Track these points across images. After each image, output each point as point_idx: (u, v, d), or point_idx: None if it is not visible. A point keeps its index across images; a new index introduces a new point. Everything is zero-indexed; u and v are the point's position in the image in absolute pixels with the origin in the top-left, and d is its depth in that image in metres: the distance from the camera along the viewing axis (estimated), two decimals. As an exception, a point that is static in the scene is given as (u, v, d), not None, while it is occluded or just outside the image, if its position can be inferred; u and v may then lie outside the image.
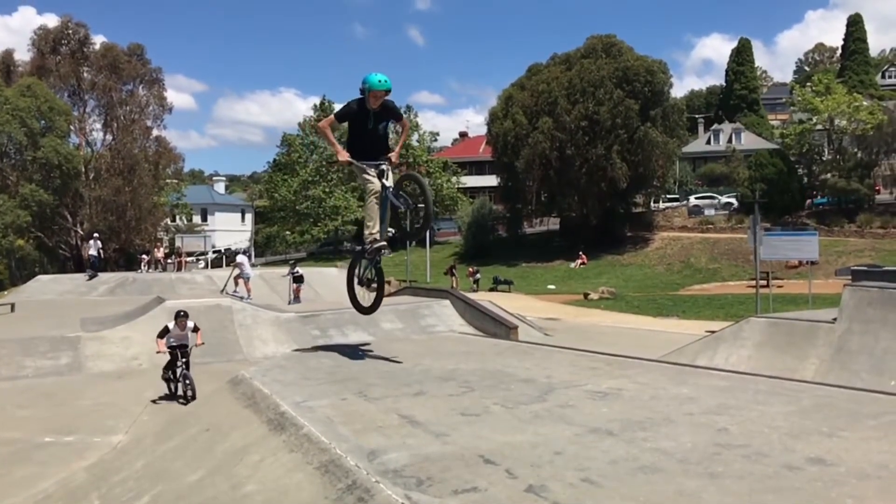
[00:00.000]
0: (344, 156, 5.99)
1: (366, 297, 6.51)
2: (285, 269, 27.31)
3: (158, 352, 10.67)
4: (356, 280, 6.69)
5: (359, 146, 6.09)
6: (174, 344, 10.68)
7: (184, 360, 10.60)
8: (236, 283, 22.19)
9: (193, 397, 10.01)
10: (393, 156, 6.17)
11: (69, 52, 50.81)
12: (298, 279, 25.33)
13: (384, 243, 6.21)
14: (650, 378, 5.71)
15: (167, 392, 10.75)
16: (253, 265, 25.64)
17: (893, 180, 56.66)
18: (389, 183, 6.01)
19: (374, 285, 6.51)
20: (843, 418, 4.34)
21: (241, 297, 19.63)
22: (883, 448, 3.71)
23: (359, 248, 6.60)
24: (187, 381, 10.40)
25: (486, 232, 57.64)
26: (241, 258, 23.65)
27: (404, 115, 6.82)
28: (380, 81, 5.84)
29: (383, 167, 6.07)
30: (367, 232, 6.16)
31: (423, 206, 5.90)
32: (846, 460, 3.50)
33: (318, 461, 3.70)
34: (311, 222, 63.12)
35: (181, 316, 10.96)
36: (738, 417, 4.38)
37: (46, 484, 6.17)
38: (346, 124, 6.24)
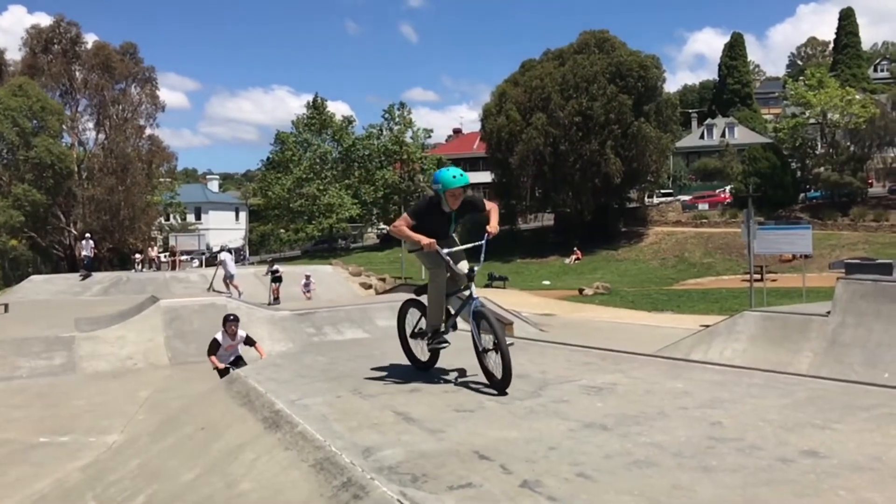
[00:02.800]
0: (429, 242, 4.98)
1: (424, 350, 5.55)
2: (268, 269, 26.61)
3: (216, 369, 9.21)
4: (409, 333, 5.77)
5: (435, 238, 5.11)
6: (229, 361, 9.23)
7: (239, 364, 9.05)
8: (226, 285, 22.00)
9: None
10: (492, 228, 5.18)
11: (61, 51, 50.54)
12: (277, 279, 24.07)
13: (446, 342, 5.33)
14: (645, 373, 5.73)
15: None
16: (250, 263, 25.24)
17: (886, 173, 56.84)
18: (475, 294, 5.07)
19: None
20: (837, 411, 4.36)
21: (230, 297, 19.56)
22: (876, 440, 3.73)
23: (410, 299, 5.79)
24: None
25: (480, 228, 57.57)
26: (224, 256, 23.22)
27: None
28: (454, 178, 5.01)
29: (475, 270, 5.19)
30: (429, 320, 5.35)
31: (498, 353, 4.83)
32: (839, 452, 3.52)
33: (313, 459, 3.70)
34: (306, 220, 63.03)
35: (230, 320, 9.38)
36: (732, 411, 4.40)
37: (41, 484, 6.16)
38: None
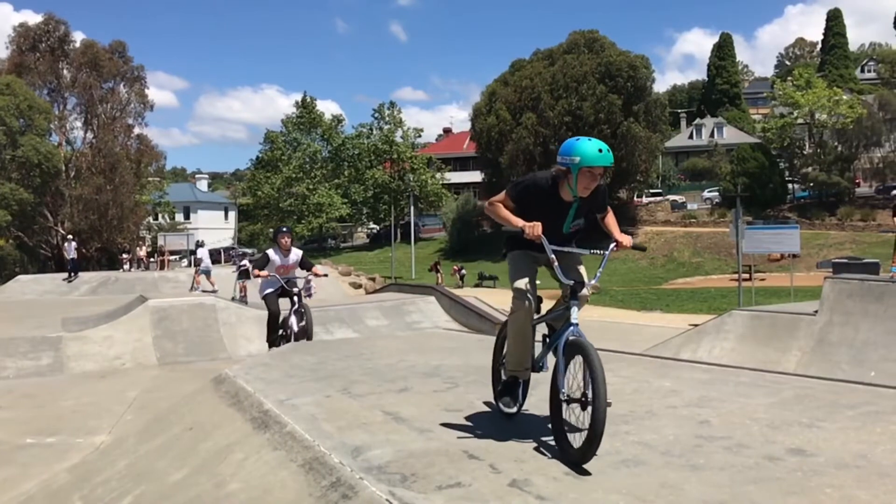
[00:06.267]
0: (533, 225, 3.67)
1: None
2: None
3: (257, 276, 8.50)
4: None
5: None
6: (280, 284, 8.39)
7: (296, 299, 8.39)
8: (195, 279, 21.76)
9: (309, 335, 8.11)
10: (623, 238, 3.88)
11: (48, 49, 50.16)
12: (243, 273, 21.32)
13: (513, 405, 4.04)
14: (633, 371, 5.75)
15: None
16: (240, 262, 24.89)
17: (873, 173, 57.21)
18: (575, 318, 3.64)
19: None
20: (823, 409, 4.40)
21: (215, 292, 19.36)
22: (861, 438, 3.76)
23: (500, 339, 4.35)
24: (302, 312, 8.30)
25: (470, 228, 57.63)
26: (200, 252, 22.89)
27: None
28: (601, 152, 3.61)
29: (585, 284, 3.80)
30: (508, 358, 4.05)
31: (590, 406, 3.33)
32: (825, 450, 3.55)
33: (301, 459, 3.69)
34: (295, 220, 62.90)
35: (283, 232, 8.61)
36: (720, 410, 4.43)
37: (28, 485, 6.12)
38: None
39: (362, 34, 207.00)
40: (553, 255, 3.72)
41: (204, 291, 19.83)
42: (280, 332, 8.93)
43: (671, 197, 60.97)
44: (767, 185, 50.47)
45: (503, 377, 4.13)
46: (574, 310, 3.65)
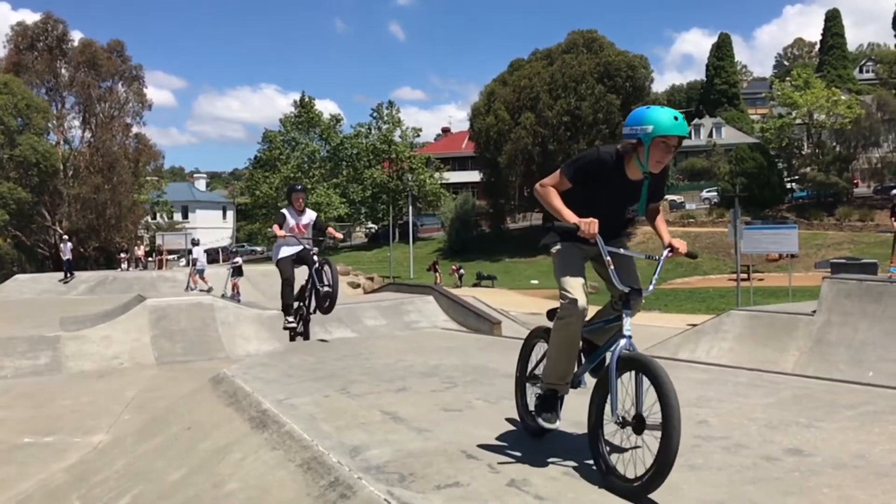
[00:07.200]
0: (589, 222, 3.22)
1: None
2: (269, 266, 25.84)
3: (278, 234, 8.14)
4: (528, 372, 3.93)
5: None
6: (295, 250, 8.15)
7: (314, 257, 8.03)
8: (194, 279, 21.76)
9: (333, 297, 7.74)
10: (680, 245, 3.44)
11: (46, 48, 50.13)
12: (237, 271, 21.58)
13: (552, 421, 3.51)
14: (632, 371, 5.74)
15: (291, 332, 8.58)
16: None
17: (871, 174, 57.31)
18: (628, 330, 3.22)
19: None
20: (821, 409, 4.40)
21: (209, 290, 19.33)
22: (859, 438, 3.77)
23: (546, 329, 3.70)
24: (322, 271, 7.87)
25: (469, 227, 57.69)
26: (196, 251, 22.89)
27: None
28: (676, 120, 3.25)
29: (641, 291, 3.38)
30: (547, 370, 3.54)
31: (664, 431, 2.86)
32: (823, 450, 3.55)
33: (300, 458, 3.69)
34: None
35: (297, 190, 8.34)
36: (718, 410, 4.43)
37: (26, 485, 6.11)
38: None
39: (361, 34, 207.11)
40: (609, 257, 3.30)
41: (201, 291, 19.81)
42: (297, 304, 8.46)
43: (669, 197, 60.96)
44: (766, 186, 50.54)
45: (536, 390, 3.68)
46: (627, 320, 3.25)
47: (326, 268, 7.99)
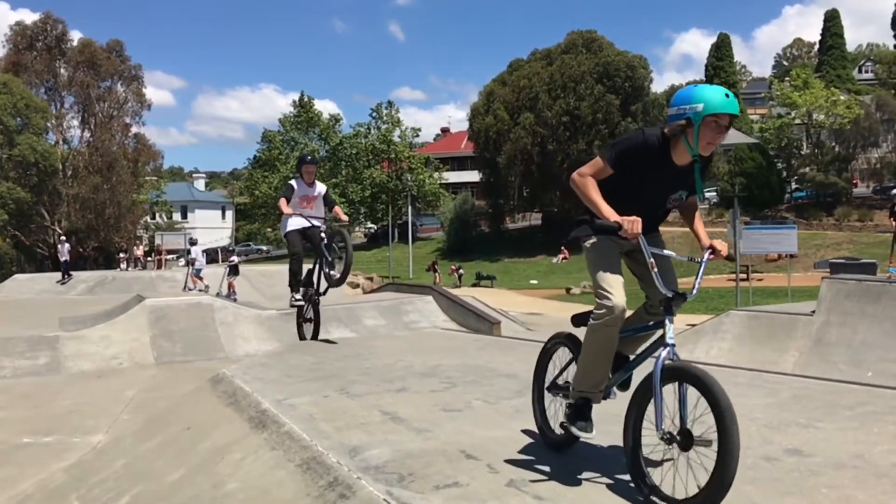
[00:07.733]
0: (633, 221, 2.98)
1: (557, 416, 3.55)
2: (268, 266, 25.82)
3: (283, 211, 7.78)
4: (547, 383, 3.68)
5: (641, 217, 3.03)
6: (304, 221, 7.74)
7: (321, 234, 7.68)
8: (193, 280, 21.76)
9: (345, 272, 7.39)
10: (722, 246, 3.20)
11: (46, 47, 50.11)
12: (234, 270, 21.78)
13: (587, 431, 3.23)
14: (631, 372, 5.74)
15: (301, 317, 8.41)
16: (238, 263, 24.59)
17: (870, 174, 57.33)
18: (671, 336, 3.06)
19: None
20: (821, 409, 4.40)
21: (205, 288, 19.30)
22: (859, 438, 3.77)
23: (567, 335, 3.66)
24: (333, 246, 7.56)
25: (468, 227, 57.68)
26: (194, 251, 22.90)
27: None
28: (728, 97, 2.93)
29: (683, 296, 3.15)
30: (579, 377, 3.29)
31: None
32: (823, 451, 3.55)
33: (299, 458, 3.69)
34: (294, 219, 62.76)
35: (308, 161, 7.91)
36: (718, 410, 4.42)
37: (25, 485, 6.11)
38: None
39: (360, 34, 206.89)
40: (652, 259, 3.07)
41: (200, 291, 19.81)
42: (304, 289, 8.09)
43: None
44: (765, 186, 50.54)
45: (560, 400, 3.48)
46: (670, 327, 3.03)
47: (336, 246, 7.66)
